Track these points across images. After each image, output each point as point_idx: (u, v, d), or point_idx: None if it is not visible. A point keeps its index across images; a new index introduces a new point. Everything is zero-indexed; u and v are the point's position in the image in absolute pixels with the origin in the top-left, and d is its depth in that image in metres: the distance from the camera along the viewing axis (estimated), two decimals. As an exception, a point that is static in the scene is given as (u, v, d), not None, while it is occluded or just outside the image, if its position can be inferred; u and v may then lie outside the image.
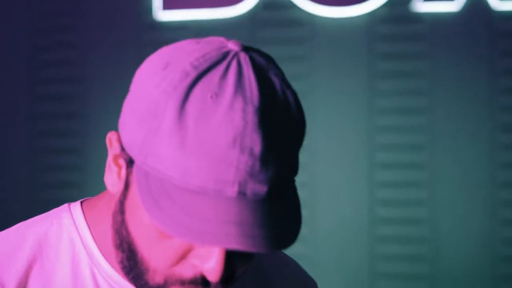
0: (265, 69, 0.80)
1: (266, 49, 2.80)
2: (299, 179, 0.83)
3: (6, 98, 2.99)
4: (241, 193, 0.75)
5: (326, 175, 2.81)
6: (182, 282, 0.81)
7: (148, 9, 2.91)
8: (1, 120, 3.00)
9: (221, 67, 0.77)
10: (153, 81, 0.79)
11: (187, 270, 0.81)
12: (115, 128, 0.86)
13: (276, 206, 0.77)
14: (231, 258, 0.79)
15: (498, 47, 2.72)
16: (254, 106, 0.76)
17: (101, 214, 0.90)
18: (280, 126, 0.78)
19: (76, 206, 0.94)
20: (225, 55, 0.79)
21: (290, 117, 0.79)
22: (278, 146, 0.77)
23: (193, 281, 0.81)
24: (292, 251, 1.01)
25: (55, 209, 0.95)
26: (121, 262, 0.85)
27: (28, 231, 0.92)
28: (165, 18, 2.91)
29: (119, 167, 0.83)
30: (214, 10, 2.88)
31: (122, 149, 0.82)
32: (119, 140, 0.83)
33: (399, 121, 2.78)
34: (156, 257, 0.81)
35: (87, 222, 0.92)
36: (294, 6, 2.83)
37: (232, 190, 0.75)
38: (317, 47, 2.84)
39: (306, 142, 0.83)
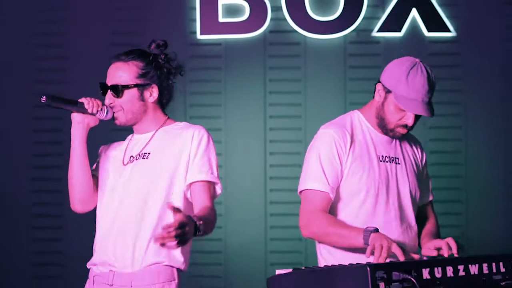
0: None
1: (273, 62, 4.31)
2: None
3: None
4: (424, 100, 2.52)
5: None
6: (399, 126, 2.54)
7: (192, 32, 4.19)
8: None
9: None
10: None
11: (402, 121, 2.53)
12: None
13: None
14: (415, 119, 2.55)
15: (429, 61, 4.08)
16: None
17: (370, 109, 2.61)
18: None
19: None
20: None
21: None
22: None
23: (404, 125, 2.54)
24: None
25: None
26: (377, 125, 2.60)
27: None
28: (203, 38, 4.19)
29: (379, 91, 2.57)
30: (237, 35, 4.19)
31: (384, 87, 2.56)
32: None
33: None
34: (393, 118, 2.56)
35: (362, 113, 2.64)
36: (293, 31, 4.17)
37: (424, 99, 2.52)
38: (308, 59, 4.17)
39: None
